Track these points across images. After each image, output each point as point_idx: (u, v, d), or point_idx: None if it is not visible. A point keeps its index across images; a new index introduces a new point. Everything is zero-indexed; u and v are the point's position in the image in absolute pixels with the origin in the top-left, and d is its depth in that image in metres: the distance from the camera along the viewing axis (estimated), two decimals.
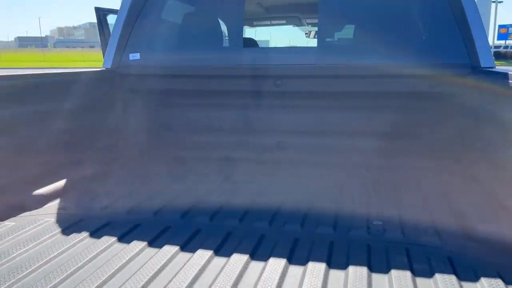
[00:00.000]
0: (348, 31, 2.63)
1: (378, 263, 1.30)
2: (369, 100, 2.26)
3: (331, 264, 1.30)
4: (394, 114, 2.21)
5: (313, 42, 4.62)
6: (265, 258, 1.34)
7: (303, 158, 2.36)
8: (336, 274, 1.25)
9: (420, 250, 1.39)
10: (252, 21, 4.10)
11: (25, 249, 1.38)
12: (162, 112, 2.60)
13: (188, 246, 1.43)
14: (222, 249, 1.40)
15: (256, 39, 4.34)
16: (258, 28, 4.93)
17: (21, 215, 1.68)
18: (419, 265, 1.28)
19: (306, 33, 4.62)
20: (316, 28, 4.15)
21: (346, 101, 2.26)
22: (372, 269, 1.26)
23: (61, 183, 1.95)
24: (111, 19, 3.83)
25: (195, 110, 2.53)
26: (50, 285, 1.16)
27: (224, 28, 2.84)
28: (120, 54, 2.56)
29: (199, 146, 2.53)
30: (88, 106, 2.30)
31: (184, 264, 1.30)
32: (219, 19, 2.82)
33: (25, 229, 1.54)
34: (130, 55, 2.59)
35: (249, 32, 4.63)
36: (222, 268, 1.28)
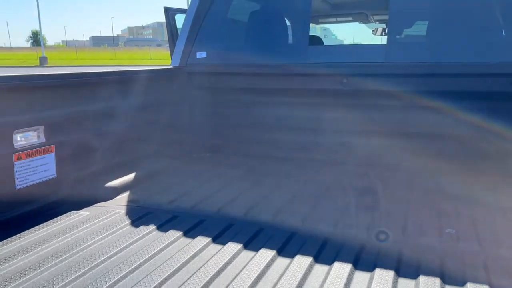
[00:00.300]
0: (420, 28, 2.50)
1: (451, 274, 1.22)
2: (441, 100, 2.14)
3: (399, 273, 1.24)
4: (473, 115, 2.07)
5: (378, 40, 4.46)
6: (329, 262, 1.30)
7: (369, 160, 2.28)
8: (404, 283, 1.18)
9: (497, 262, 1.28)
10: (318, 19, 4.03)
11: (97, 238, 1.45)
12: (227, 109, 2.63)
13: (250, 244, 1.42)
14: (285, 250, 1.38)
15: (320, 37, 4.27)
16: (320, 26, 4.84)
17: (95, 205, 1.77)
18: (496, 279, 1.18)
19: (373, 30, 4.47)
20: (384, 25, 4.01)
21: (417, 101, 2.14)
22: (445, 280, 1.19)
23: (131, 176, 2.04)
24: (180, 18, 3.95)
25: (261, 108, 2.53)
26: (120, 275, 1.21)
27: (289, 26, 2.82)
28: (188, 52, 2.63)
29: (263, 144, 2.53)
30: (157, 103, 2.39)
31: (247, 263, 1.30)
32: (285, 17, 2.80)
33: (98, 219, 1.62)
34: (197, 53, 2.65)
35: (313, 30, 4.56)
36: (286, 268, 1.26)
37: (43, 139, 1.72)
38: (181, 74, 2.57)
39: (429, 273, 1.22)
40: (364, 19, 4.13)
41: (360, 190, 1.95)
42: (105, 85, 2.03)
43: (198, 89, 2.62)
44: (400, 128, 2.25)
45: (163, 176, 2.15)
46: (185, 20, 2.72)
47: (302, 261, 1.30)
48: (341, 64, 2.29)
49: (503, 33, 2.12)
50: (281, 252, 1.37)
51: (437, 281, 1.18)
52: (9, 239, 1.42)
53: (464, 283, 1.17)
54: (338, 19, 4.13)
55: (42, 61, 28.33)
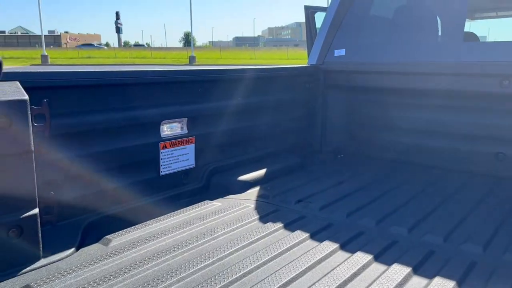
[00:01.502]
0: None
1: None
2: None
3: None
4: None
5: None
6: (430, 276, 1.14)
7: None
8: None
9: None
10: (474, 13, 3.60)
11: (227, 230, 1.49)
12: (364, 110, 2.51)
13: (382, 257, 1.31)
14: (422, 268, 1.24)
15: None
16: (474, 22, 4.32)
17: (227, 197, 1.83)
18: None
19: None
20: None
21: None
22: None
23: (262, 172, 2.06)
24: (319, 16, 3.92)
25: (400, 110, 2.35)
26: (244, 271, 1.21)
27: (439, 21, 2.56)
28: (326, 50, 2.57)
29: (400, 149, 2.34)
30: (292, 101, 2.38)
31: (377, 277, 1.19)
32: (434, 12, 2.55)
33: (229, 211, 1.66)
34: (335, 51, 2.57)
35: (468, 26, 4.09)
36: None
37: (185, 131, 1.84)
38: (318, 72, 2.53)
39: None
40: None
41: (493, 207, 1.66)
42: (243, 82, 2.09)
43: (334, 88, 2.55)
44: None
45: (292, 175, 2.13)
46: (325, 17, 2.67)
47: (443, 284, 1.14)
48: (502, 63, 1.99)
49: None
50: (417, 270, 1.23)
51: None
52: (151, 220, 1.54)
53: None
54: (499, 13, 3.62)
55: (191, 60, 31.25)
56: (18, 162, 1.18)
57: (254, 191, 1.91)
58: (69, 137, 1.41)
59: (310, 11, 3.94)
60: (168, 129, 1.77)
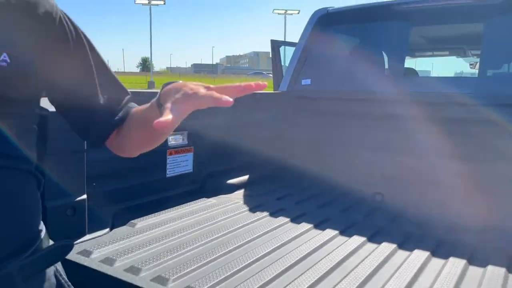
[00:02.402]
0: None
1: None
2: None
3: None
4: None
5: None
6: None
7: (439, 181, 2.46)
8: None
9: None
10: (414, 52, 4.29)
11: (221, 218, 1.87)
12: (324, 129, 3.00)
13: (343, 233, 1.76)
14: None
15: (417, 68, 4.50)
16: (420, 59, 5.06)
17: (219, 196, 2.25)
18: None
19: (471, 64, 4.58)
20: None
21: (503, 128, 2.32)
22: None
23: (246, 177, 2.50)
24: (283, 50, 4.46)
25: (356, 129, 2.85)
26: (241, 242, 1.62)
27: (386, 58, 3.15)
28: (294, 80, 3.07)
29: (354, 162, 2.84)
30: (267, 120, 2.85)
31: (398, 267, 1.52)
32: (381, 51, 3.14)
33: (223, 205, 2.07)
34: (302, 80, 3.08)
35: (410, 62, 4.80)
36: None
37: (186, 142, 2.25)
38: (288, 98, 3.02)
39: None
40: (462, 54, 4.29)
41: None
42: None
43: (301, 111, 3.04)
44: (483, 153, 2.41)
45: (270, 180, 2.57)
46: (294, 51, 3.19)
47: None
48: (431, 93, 2.54)
49: None
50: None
51: None
52: (163, 211, 1.93)
53: None
54: (435, 52, 4.34)
55: (150, 85, 31.43)
56: (75, 157, 1.56)
57: (241, 192, 2.34)
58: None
59: (276, 44, 4.47)
60: (173, 140, 2.17)
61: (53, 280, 0.92)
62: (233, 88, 0.79)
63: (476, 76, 2.53)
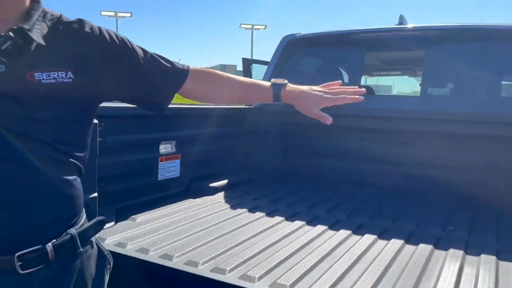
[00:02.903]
0: (447, 84, 3.19)
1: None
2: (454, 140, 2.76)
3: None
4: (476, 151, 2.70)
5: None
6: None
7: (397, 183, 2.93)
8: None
9: None
10: (372, 72, 4.81)
11: (205, 214, 2.21)
12: (291, 139, 3.41)
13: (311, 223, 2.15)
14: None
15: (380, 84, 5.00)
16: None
17: (203, 197, 2.59)
18: None
19: (420, 83, 5.15)
20: None
21: (436, 140, 2.79)
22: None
23: (225, 181, 2.86)
24: (254, 67, 4.87)
25: (319, 140, 3.27)
26: (229, 229, 1.98)
27: (346, 77, 3.62)
28: None
29: (314, 166, 3.26)
30: (242, 132, 3.23)
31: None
32: (341, 70, 3.61)
33: (207, 204, 2.42)
34: None
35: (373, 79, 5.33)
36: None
37: (174, 150, 2.59)
38: (262, 112, 3.41)
39: None
40: (412, 74, 4.85)
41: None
42: (211, 116, 2.90)
43: (272, 124, 3.44)
44: (425, 159, 2.88)
45: (246, 184, 2.95)
46: (266, 70, 3.59)
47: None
48: (382, 109, 2.99)
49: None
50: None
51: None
52: (157, 208, 2.26)
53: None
54: (390, 72, 4.88)
55: None
56: (90, 161, 1.88)
57: (221, 194, 2.69)
58: (105, 150, 2.10)
59: (246, 63, 4.87)
60: (163, 148, 2.51)
61: (95, 245, 1.26)
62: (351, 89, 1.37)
63: (419, 95, 3.02)
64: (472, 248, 1.86)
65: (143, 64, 1.24)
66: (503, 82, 2.93)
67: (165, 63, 1.29)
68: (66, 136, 1.13)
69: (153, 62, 1.27)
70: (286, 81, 1.43)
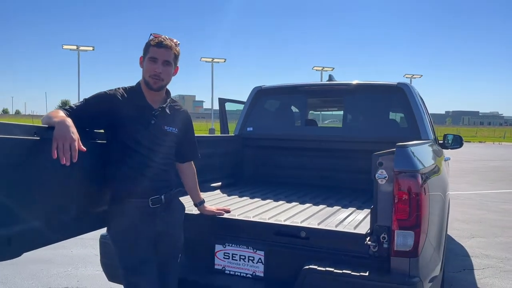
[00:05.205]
0: (356, 118, 4.97)
1: None
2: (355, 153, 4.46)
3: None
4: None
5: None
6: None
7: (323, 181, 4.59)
8: None
9: None
10: (315, 108, 6.57)
11: (215, 199, 3.74)
12: (264, 157, 5.01)
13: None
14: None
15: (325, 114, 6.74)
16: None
17: (208, 192, 4.10)
18: None
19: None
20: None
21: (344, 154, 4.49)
22: None
23: (219, 183, 4.39)
24: (228, 105, 6.47)
25: (282, 157, 4.89)
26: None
27: (297, 113, 5.31)
28: (243, 127, 5.07)
29: (278, 176, 4.87)
30: (229, 151, 4.80)
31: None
32: (294, 108, 5.29)
33: (211, 195, 3.93)
34: (248, 128, 5.09)
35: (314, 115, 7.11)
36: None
37: None
38: (240, 139, 5.00)
39: None
40: (340, 109, 6.65)
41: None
42: (208, 141, 4.44)
43: (248, 146, 5.03)
44: (339, 167, 4.56)
45: (231, 186, 4.49)
46: (242, 111, 5.20)
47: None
48: (320, 135, 4.69)
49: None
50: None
51: None
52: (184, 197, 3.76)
53: None
54: (327, 109, 6.68)
55: None
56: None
57: (218, 190, 4.22)
58: None
59: (222, 101, 6.46)
60: None
61: (178, 199, 2.78)
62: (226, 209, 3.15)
63: (341, 126, 4.76)
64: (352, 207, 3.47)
65: (191, 136, 2.94)
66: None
67: (195, 145, 2.98)
68: (171, 152, 2.69)
69: (192, 138, 2.96)
70: (203, 202, 3.06)
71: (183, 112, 2.77)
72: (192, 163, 2.97)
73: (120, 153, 2.45)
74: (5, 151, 1.84)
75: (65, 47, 42.05)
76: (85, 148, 2.09)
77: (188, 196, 3.05)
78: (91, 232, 2.63)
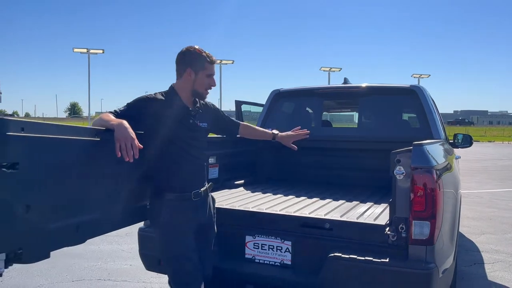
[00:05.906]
0: (370, 119, 5.21)
1: None
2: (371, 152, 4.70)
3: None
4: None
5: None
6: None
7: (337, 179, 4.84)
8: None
9: None
10: (329, 109, 6.82)
11: (238, 195, 4.01)
12: (280, 157, 5.27)
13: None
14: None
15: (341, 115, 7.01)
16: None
17: (232, 189, 4.36)
18: None
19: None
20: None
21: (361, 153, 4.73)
22: None
23: (242, 181, 4.65)
24: (244, 107, 6.74)
25: (300, 157, 5.12)
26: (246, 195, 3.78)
27: (313, 114, 5.56)
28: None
29: (296, 174, 5.13)
30: (246, 151, 5.06)
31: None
32: (310, 110, 5.55)
33: (234, 192, 4.20)
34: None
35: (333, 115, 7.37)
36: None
37: (214, 161, 4.38)
38: (260, 141, 5.25)
39: None
40: (354, 110, 6.89)
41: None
42: (231, 143, 4.71)
43: (265, 147, 5.28)
44: (357, 165, 4.80)
45: (253, 182, 4.76)
46: (261, 112, 5.46)
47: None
48: (335, 136, 4.94)
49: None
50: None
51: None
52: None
53: None
54: (342, 111, 6.93)
55: None
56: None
57: (242, 188, 4.48)
58: None
59: (238, 103, 6.73)
60: (210, 159, 4.30)
61: (213, 197, 3.06)
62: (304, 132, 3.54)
63: (356, 126, 5.00)
64: (369, 201, 3.71)
65: (224, 116, 3.21)
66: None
67: (231, 119, 3.32)
68: (206, 147, 2.98)
69: (226, 117, 3.27)
70: (277, 132, 3.43)
71: (209, 105, 3.10)
72: (241, 124, 3.44)
73: (163, 151, 2.73)
74: (76, 150, 2.12)
75: (75, 50, 42.64)
76: (142, 146, 2.37)
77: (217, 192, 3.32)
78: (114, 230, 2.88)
